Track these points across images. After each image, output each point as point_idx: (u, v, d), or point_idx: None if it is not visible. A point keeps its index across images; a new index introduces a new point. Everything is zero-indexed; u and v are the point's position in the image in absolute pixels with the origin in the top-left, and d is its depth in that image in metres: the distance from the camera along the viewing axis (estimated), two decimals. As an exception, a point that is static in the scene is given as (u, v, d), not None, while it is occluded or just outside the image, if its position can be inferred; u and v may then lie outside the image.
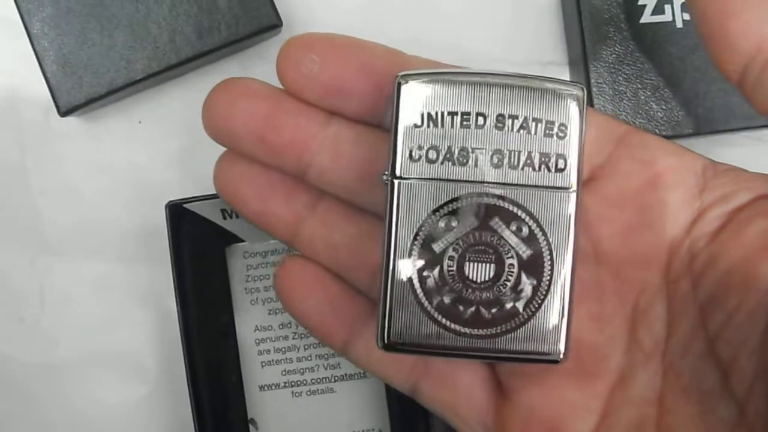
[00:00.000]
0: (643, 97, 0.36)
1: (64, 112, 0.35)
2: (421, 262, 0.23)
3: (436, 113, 0.23)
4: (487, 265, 0.23)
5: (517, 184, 0.23)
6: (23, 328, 0.38)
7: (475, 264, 0.23)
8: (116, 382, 0.38)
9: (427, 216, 0.23)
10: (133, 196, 0.38)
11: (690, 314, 0.23)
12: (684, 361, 0.23)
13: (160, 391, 0.38)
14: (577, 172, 0.23)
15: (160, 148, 0.38)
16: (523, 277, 0.23)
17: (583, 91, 0.23)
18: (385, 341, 0.23)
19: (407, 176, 0.23)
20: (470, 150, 0.23)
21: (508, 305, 0.23)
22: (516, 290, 0.23)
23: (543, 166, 0.23)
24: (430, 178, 0.23)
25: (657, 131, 0.36)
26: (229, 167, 0.27)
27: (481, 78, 0.23)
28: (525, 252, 0.23)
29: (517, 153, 0.23)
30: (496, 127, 0.23)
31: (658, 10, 0.36)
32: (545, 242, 0.23)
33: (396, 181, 0.23)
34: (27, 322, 0.38)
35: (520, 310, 0.23)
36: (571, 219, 0.23)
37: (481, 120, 0.23)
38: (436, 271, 0.23)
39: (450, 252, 0.23)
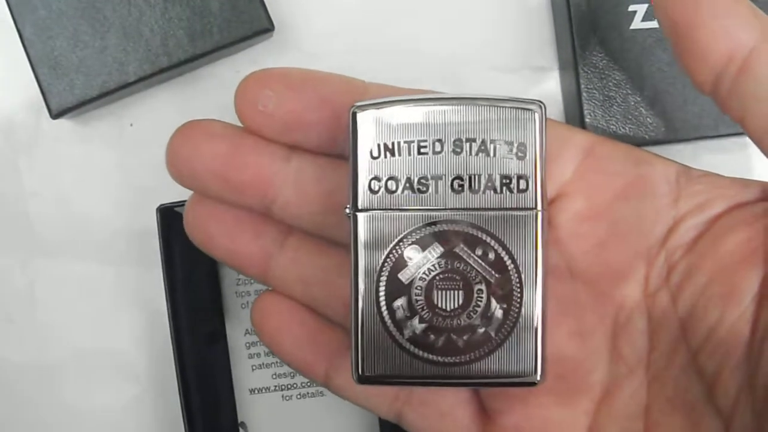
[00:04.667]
0: (632, 103, 0.36)
1: (55, 115, 0.35)
2: (389, 294, 0.23)
3: (393, 143, 0.23)
4: (456, 292, 0.23)
5: (479, 209, 0.23)
6: (13, 329, 0.38)
7: (444, 292, 0.23)
8: (106, 384, 0.38)
9: (391, 247, 0.23)
10: (124, 199, 0.38)
11: (671, 327, 0.23)
12: (668, 374, 0.23)
13: (150, 392, 0.38)
14: (541, 191, 0.23)
15: (151, 151, 0.38)
16: (493, 301, 0.23)
17: (541, 108, 0.23)
18: (360, 374, 0.23)
19: (369, 208, 0.23)
20: (429, 177, 0.23)
21: (480, 331, 0.23)
22: (487, 315, 0.23)
23: (505, 189, 0.23)
24: (391, 209, 0.23)
25: (646, 137, 0.36)
26: (196, 208, 0.27)
27: (436, 103, 0.23)
28: (493, 276, 0.23)
29: (477, 177, 0.23)
30: (454, 152, 0.23)
31: (648, 16, 0.36)
32: (513, 265, 0.23)
33: (358, 215, 0.23)
34: (17, 323, 0.38)
35: (493, 335, 0.23)
36: (538, 239, 0.23)
37: (438, 146, 0.23)
38: (405, 301, 0.23)
39: (417, 282, 0.23)
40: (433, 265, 0.23)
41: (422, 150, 0.23)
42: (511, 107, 0.23)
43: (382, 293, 0.23)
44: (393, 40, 0.38)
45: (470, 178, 0.23)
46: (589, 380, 0.24)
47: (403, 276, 0.23)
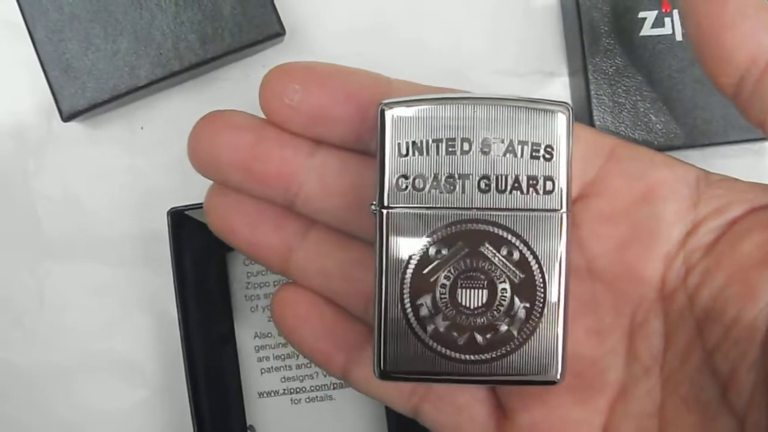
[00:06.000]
0: (642, 109, 0.36)
1: (66, 118, 0.36)
2: (413, 291, 0.23)
3: (421, 141, 0.23)
4: (480, 291, 0.23)
5: (505, 209, 0.23)
6: (22, 331, 0.38)
7: (468, 290, 0.23)
8: (115, 387, 0.38)
9: (417, 245, 0.23)
10: (134, 202, 0.38)
11: (687, 327, 0.23)
12: (682, 374, 0.23)
13: (159, 396, 0.38)
14: (566, 193, 0.23)
15: (161, 154, 0.38)
16: (516, 301, 0.23)
17: (568, 110, 0.23)
18: (381, 369, 0.23)
19: (395, 206, 0.23)
20: (457, 177, 0.23)
21: (503, 329, 0.23)
22: (510, 314, 0.23)
23: (531, 189, 0.23)
24: (418, 207, 0.23)
25: (656, 143, 0.36)
26: (218, 200, 0.27)
27: (465, 102, 0.23)
28: (517, 276, 0.23)
29: (504, 177, 0.23)
30: (482, 152, 0.23)
31: (657, 23, 0.36)
32: (537, 265, 0.23)
33: (384, 211, 0.23)
34: (26, 325, 0.38)
35: (515, 334, 0.23)
36: (562, 241, 0.23)
37: (466, 145, 0.23)
38: (429, 299, 0.23)
39: (442, 280, 0.23)
40: (458, 264, 0.23)
41: (450, 149, 0.23)
42: (539, 108, 0.23)
43: (406, 290, 0.23)
44: (402, 46, 0.38)
45: (497, 178, 0.23)
46: (605, 379, 0.24)
47: (428, 274, 0.23)
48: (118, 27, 0.36)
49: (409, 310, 0.23)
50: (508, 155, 0.23)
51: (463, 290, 0.23)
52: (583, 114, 0.37)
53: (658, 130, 0.36)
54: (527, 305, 0.23)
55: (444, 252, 0.23)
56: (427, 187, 0.23)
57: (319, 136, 0.25)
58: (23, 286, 0.38)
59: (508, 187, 0.23)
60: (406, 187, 0.23)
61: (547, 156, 0.23)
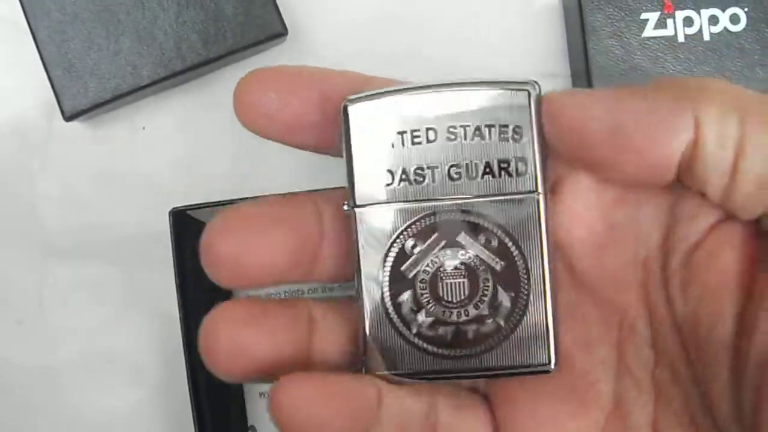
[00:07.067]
0: (644, 111, 0.36)
1: (68, 117, 0.36)
2: (393, 289, 0.22)
3: (386, 135, 0.22)
4: (461, 282, 0.22)
5: (479, 195, 0.22)
6: (23, 331, 0.38)
7: (449, 283, 0.22)
8: (116, 387, 0.38)
9: (392, 241, 0.22)
10: (135, 202, 0.38)
11: (672, 338, 0.22)
12: (673, 387, 0.23)
13: (160, 396, 0.38)
14: (541, 173, 0.22)
15: (163, 154, 0.38)
16: (500, 290, 0.22)
17: (535, 87, 0.22)
18: (368, 371, 0.23)
19: (367, 203, 0.22)
20: (426, 167, 0.22)
21: (489, 321, 0.22)
22: (494, 305, 0.22)
23: (503, 173, 0.22)
24: (389, 202, 0.22)
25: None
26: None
27: (427, 91, 0.22)
28: (498, 264, 0.22)
29: (474, 163, 0.22)
30: (449, 140, 0.22)
31: (660, 24, 0.36)
32: (517, 251, 0.22)
33: (357, 210, 0.22)
34: (27, 325, 0.38)
35: (502, 324, 0.22)
36: (541, 223, 0.22)
37: (432, 134, 0.22)
38: (410, 295, 0.22)
39: (421, 275, 0.22)
40: (436, 257, 0.22)
41: (416, 140, 0.22)
42: (503, 89, 0.22)
43: (386, 289, 0.22)
44: (404, 47, 0.38)
45: (467, 165, 0.22)
46: (598, 391, 0.24)
47: (407, 270, 0.22)
48: (120, 27, 0.36)
49: (391, 309, 0.22)
50: (475, 140, 0.22)
51: (444, 283, 0.22)
52: (585, 115, 0.37)
53: (661, 132, 0.36)
54: (512, 294, 0.22)
55: (420, 246, 0.22)
56: (397, 181, 0.22)
57: (297, 143, 0.24)
58: (24, 286, 0.38)
59: (480, 173, 0.22)
60: (376, 182, 0.22)
61: (516, 137, 0.22)
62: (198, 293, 0.34)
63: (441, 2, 0.38)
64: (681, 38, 0.36)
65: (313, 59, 0.38)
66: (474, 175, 0.22)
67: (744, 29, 0.36)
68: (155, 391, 0.38)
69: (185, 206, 0.33)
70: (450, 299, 0.22)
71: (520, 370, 0.22)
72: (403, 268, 0.22)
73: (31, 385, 0.38)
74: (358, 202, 0.22)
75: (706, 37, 0.36)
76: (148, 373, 0.38)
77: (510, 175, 0.22)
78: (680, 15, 0.36)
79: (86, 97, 0.35)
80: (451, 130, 0.22)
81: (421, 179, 0.22)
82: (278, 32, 0.36)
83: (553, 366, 0.22)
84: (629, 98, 0.21)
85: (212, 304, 0.36)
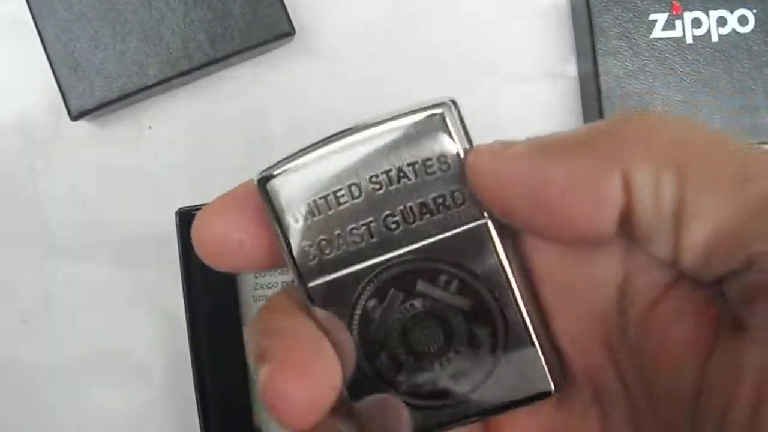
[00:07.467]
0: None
1: (75, 116, 0.35)
2: (368, 355, 0.21)
3: (309, 203, 0.20)
4: (433, 331, 0.21)
5: (424, 238, 0.20)
6: (28, 330, 0.38)
7: (421, 335, 0.21)
8: (121, 387, 0.38)
9: (351, 309, 0.21)
10: (141, 202, 0.38)
11: (639, 390, 0.21)
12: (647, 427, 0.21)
13: (165, 395, 0.38)
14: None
15: (170, 154, 0.38)
16: (475, 329, 0.21)
17: (450, 107, 0.20)
18: None
19: (314, 281, 0.21)
20: (361, 225, 0.20)
21: (473, 361, 0.21)
22: (474, 344, 0.21)
23: (441, 208, 0.20)
24: (336, 272, 0.21)
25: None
26: None
27: (335, 144, 0.20)
28: (464, 303, 0.21)
29: (408, 207, 0.20)
30: (375, 191, 0.20)
31: (668, 25, 0.36)
32: (480, 284, 0.21)
33: (308, 291, 0.21)
34: (32, 324, 0.38)
35: (488, 360, 0.21)
36: (497, 247, 0.20)
37: (355, 190, 0.20)
38: (385, 357, 0.21)
39: (392, 334, 0.21)
40: (400, 312, 0.21)
41: (341, 200, 0.20)
42: (415, 120, 0.20)
43: (362, 356, 0.21)
44: (412, 47, 0.38)
45: (401, 211, 0.20)
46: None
47: (374, 333, 0.21)
48: (126, 26, 0.35)
49: (372, 374, 0.21)
50: (402, 183, 0.20)
51: (416, 337, 0.21)
52: (593, 117, 0.37)
53: (669, 133, 0.36)
54: (488, 328, 0.21)
55: (380, 306, 0.21)
56: (335, 248, 0.21)
57: (261, 268, 0.22)
58: (30, 285, 0.38)
59: (417, 216, 0.20)
60: (315, 256, 0.21)
61: (444, 167, 0.20)
62: (204, 293, 0.34)
63: (449, 3, 0.38)
64: (689, 39, 0.36)
65: (319, 59, 0.38)
66: (411, 219, 0.20)
67: (752, 30, 0.36)
68: (161, 391, 0.38)
69: (192, 206, 0.33)
70: (427, 350, 0.21)
71: (521, 399, 0.21)
72: (371, 331, 0.21)
73: (37, 385, 0.38)
74: (305, 283, 0.21)
75: (715, 39, 0.36)
76: (154, 373, 0.38)
77: (449, 208, 0.20)
78: (688, 16, 0.36)
79: (92, 96, 0.35)
80: (373, 180, 0.20)
81: (360, 239, 0.21)
82: (286, 32, 0.36)
83: (553, 388, 0.21)
84: (551, 159, 0.18)
85: (218, 304, 0.36)
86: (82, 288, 0.38)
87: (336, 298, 0.21)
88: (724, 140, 0.18)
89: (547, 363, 0.21)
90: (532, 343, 0.21)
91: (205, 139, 0.38)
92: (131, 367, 0.38)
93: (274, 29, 0.36)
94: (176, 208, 0.33)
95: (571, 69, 0.38)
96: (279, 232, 0.21)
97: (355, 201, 0.20)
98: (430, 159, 0.20)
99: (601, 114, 0.36)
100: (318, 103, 0.38)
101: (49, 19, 0.35)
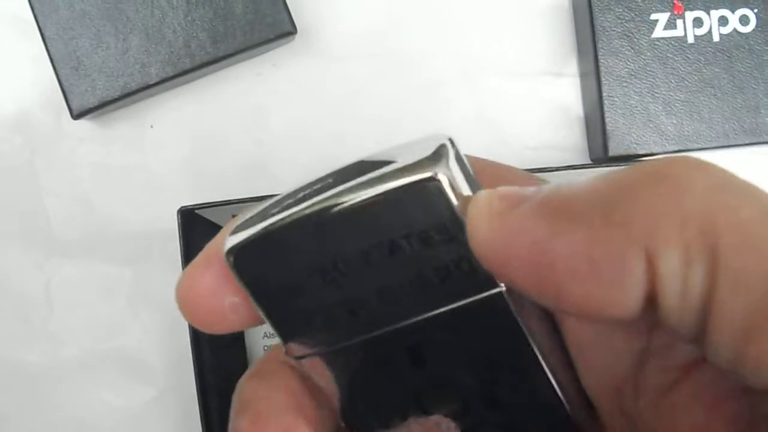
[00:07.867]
0: (653, 111, 0.36)
1: (76, 115, 0.35)
2: (381, 424, 0.19)
3: (293, 280, 0.17)
4: (452, 400, 0.19)
5: (428, 317, 0.17)
6: (30, 329, 0.38)
7: (439, 406, 0.19)
8: (124, 386, 0.38)
9: (358, 390, 0.19)
10: (143, 200, 0.38)
11: None
12: None
13: (167, 395, 0.38)
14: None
15: (171, 152, 0.38)
16: (497, 389, 0.19)
17: (447, 174, 0.16)
18: None
19: (307, 353, 0.18)
20: (354, 303, 0.17)
21: (499, 419, 0.19)
22: (496, 405, 0.19)
23: (446, 281, 0.17)
24: (330, 347, 0.18)
25: (667, 145, 0.36)
26: None
27: (315, 209, 0.16)
28: (484, 374, 0.18)
29: (406, 282, 0.17)
30: (367, 266, 0.17)
31: (670, 25, 0.36)
32: (499, 353, 0.18)
33: (302, 361, 0.18)
34: (33, 323, 0.38)
35: (512, 417, 0.19)
36: (516, 320, 0.17)
37: (343, 266, 0.17)
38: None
39: (411, 410, 0.19)
40: (416, 390, 0.19)
41: (329, 278, 0.17)
42: (402, 185, 0.16)
43: (377, 425, 0.19)
44: (413, 45, 0.38)
45: (399, 286, 0.17)
46: None
47: (392, 412, 0.19)
48: (128, 25, 0.35)
49: None
50: (397, 256, 0.17)
51: (436, 409, 0.19)
52: (594, 116, 0.37)
53: (670, 133, 0.36)
54: (510, 387, 0.19)
55: (392, 386, 0.18)
56: (327, 323, 0.18)
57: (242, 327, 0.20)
58: (32, 284, 0.38)
59: (414, 291, 0.17)
60: (306, 332, 0.18)
61: (444, 236, 0.16)
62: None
63: (450, 2, 0.38)
64: (691, 39, 0.36)
65: (321, 58, 0.38)
66: (411, 293, 0.17)
67: (754, 30, 0.36)
68: (162, 390, 0.38)
69: (194, 205, 0.33)
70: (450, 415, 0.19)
71: None
72: (385, 411, 0.19)
73: (38, 384, 0.38)
74: (296, 354, 0.18)
75: (716, 38, 0.36)
76: (156, 373, 0.38)
77: (454, 279, 0.17)
78: (690, 16, 0.36)
79: (94, 95, 0.35)
80: (363, 255, 0.17)
81: (354, 316, 0.18)
82: (287, 31, 0.36)
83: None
84: (560, 228, 0.15)
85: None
86: (84, 286, 0.38)
87: (323, 368, 0.18)
88: (762, 207, 0.15)
89: (571, 404, 0.19)
90: (556, 393, 0.19)
91: (207, 138, 0.38)
92: (132, 366, 0.38)
93: (275, 28, 0.36)
94: (178, 207, 0.33)
95: (572, 68, 0.38)
96: (260, 312, 0.18)
97: (344, 277, 0.17)
98: (424, 231, 0.16)
99: (602, 115, 0.36)
100: (319, 102, 0.38)
101: (50, 17, 0.35)
